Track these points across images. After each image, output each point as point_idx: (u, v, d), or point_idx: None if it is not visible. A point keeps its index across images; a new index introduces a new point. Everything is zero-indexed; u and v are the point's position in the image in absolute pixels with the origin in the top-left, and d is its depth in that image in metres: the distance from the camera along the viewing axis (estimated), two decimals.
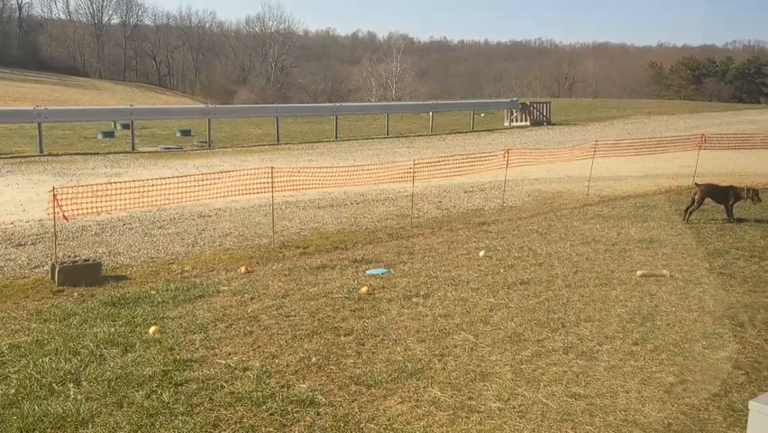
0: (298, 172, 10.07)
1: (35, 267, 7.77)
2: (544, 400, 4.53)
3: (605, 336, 5.70)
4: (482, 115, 33.26)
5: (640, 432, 4.18)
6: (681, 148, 15.45)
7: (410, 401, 4.50)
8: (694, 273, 7.64)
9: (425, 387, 4.71)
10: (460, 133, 27.19)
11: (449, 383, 4.76)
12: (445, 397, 4.56)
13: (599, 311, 6.34)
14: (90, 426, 4.10)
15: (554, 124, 30.51)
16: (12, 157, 17.90)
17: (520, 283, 7.20)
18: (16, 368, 4.88)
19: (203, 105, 28.12)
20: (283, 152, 20.35)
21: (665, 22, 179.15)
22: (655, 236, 9.45)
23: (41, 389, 4.56)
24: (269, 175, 8.97)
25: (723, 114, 38.52)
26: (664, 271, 7.63)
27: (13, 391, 4.52)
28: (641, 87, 77.04)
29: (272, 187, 9.05)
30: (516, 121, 31.12)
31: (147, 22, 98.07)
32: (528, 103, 32.43)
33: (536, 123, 30.70)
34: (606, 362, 5.18)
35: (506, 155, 11.99)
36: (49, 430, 4.03)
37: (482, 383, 4.78)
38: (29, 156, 18.16)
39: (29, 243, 8.88)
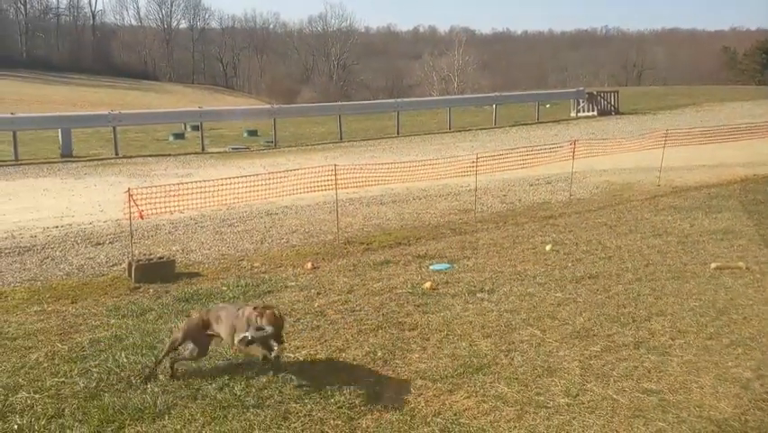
0: (361, 169, 10.15)
1: (113, 265, 8.11)
2: (614, 396, 4.45)
3: (678, 331, 5.54)
4: (547, 106, 32.69)
5: (714, 428, 4.06)
6: (757, 136, 14.82)
7: (476, 396, 4.49)
8: None
9: (491, 382, 4.68)
10: (524, 125, 26.82)
11: (515, 379, 4.73)
12: (512, 392, 4.53)
13: (672, 305, 6.17)
14: (167, 417, 4.25)
15: (623, 114, 29.72)
16: (89, 160, 18.72)
17: (589, 277, 7.06)
18: (96, 362, 5.10)
19: (269, 106, 28.64)
20: (346, 149, 20.55)
21: (738, 4, 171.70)
22: (730, 227, 9.10)
23: (119, 382, 4.75)
24: (333, 173, 9.08)
25: None
26: (740, 264, 7.34)
27: (94, 384, 4.72)
28: (713, 74, 74.05)
29: (336, 184, 9.16)
30: (583, 111, 30.46)
31: (213, 25, 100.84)
32: (595, 92, 31.69)
33: (604, 112, 29.97)
34: (679, 357, 5.04)
35: (572, 146, 11.77)
36: (128, 421, 4.20)
37: (550, 379, 4.72)
38: (105, 158, 18.95)
39: (107, 242, 9.27)
